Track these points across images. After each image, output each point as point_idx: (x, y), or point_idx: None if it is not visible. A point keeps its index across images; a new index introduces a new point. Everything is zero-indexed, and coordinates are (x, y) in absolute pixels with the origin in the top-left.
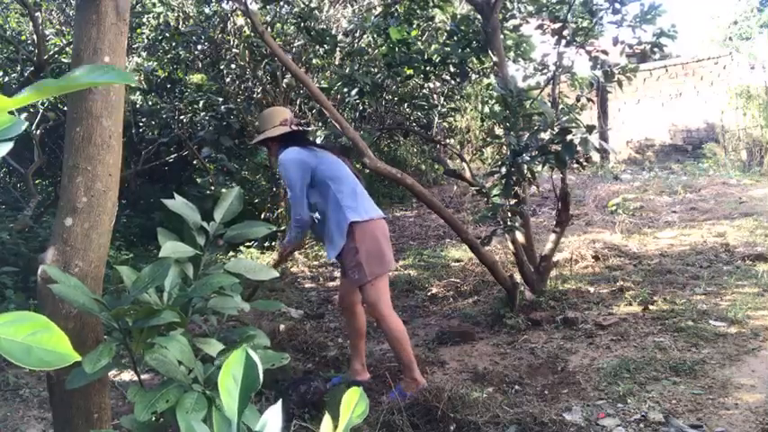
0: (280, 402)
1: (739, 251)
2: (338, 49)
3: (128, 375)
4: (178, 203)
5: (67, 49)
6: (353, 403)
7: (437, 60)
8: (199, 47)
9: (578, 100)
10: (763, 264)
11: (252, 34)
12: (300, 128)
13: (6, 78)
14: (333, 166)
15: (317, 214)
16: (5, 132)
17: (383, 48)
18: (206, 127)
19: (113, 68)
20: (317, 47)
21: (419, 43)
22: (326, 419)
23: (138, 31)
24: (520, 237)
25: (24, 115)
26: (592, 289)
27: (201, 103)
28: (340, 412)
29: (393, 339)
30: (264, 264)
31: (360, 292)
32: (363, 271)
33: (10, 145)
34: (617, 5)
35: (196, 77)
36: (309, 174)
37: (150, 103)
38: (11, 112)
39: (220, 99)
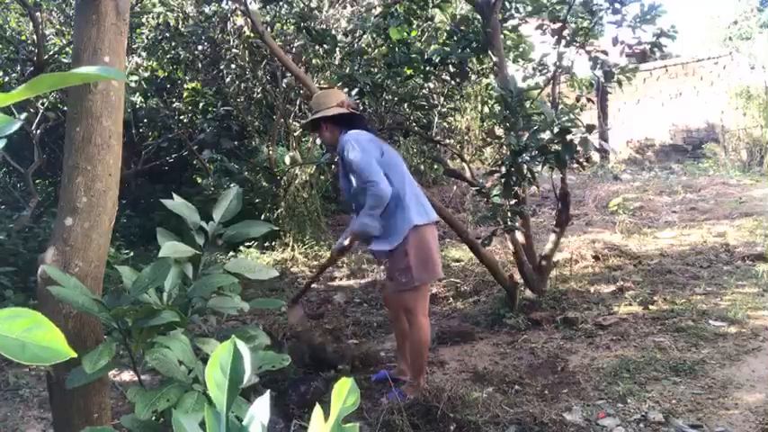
0: (267, 393)
1: (739, 251)
2: (338, 49)
3: (128, 375)
4: (178, 203)
5: (67, 49)
6: (344, 393)
7: (437, 60)
8: (199, 47)
9: (578, 100)
10: (763, 264)
11: (252, 34)
12: (357, 111)
13: (6, 78)
14: (395, 159)
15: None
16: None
17: (383, 48)
18: (205, 129)
19: (109, 66)
20: (317, 47)
21: (419, 43)
22: (317, 410)
23: (138, 31)
24: (520, 237)
25: (24, 115)
26: (592, 289)
27: (200, 105)
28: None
29: (417, 346)
30: (264, 264)
31: (400, 294)
32: (411, 275)
33: (3, 142)
34: (617, 5)
35: (191, 85)
36: (379, 153)
37: (150, 103)
38: (9, 112)
39: (219, 102)
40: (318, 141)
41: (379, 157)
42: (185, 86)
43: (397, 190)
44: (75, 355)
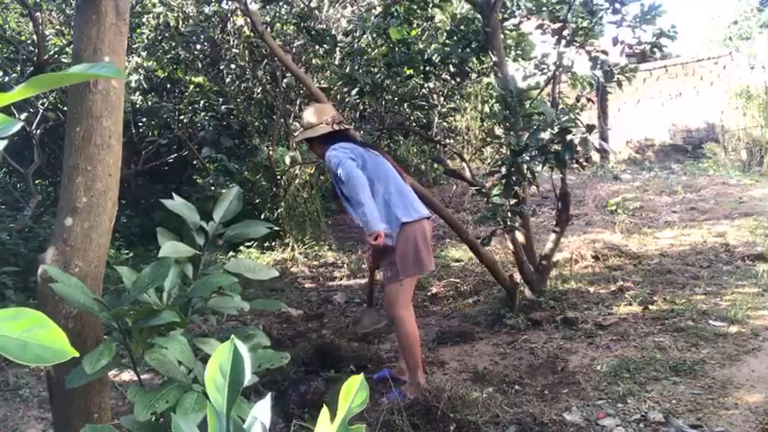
0: (269, 396)
1: (739, 251)
2: (338, 49)
3: (128, 375)
4: (177, 203)
5: (67, 49)
6: (353, 391)
7: (437, 60)
8: (199, 47)
9: (578, 100)
10: (763, 264)
11: (252, 34)
12: (342, 127)
13: (6, 78)
14: (380, 164)
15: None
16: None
17: (383, 48)
18: (206, 127)
19: (107, 64)
20: (317, 47)
21: (419, 43)
22: (324, 412)
23: (138, 31)
24: (520, 237)
25: (24, 115)
26: (592, 289)
27: (201, 103)
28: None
29: (404, 341)
30: (264, 264)
31: (385, 287)
32: (396, 269)
33: (4, 143)
34: (617, 5)
35: (197, 79)
36: (362, 162)
37: (150, 102)
38: (9, 113)
39: (220, 99)
40: None
41: (359, 163)
42: (190, 81)
43: (383, 195)
44: (77, 354)
